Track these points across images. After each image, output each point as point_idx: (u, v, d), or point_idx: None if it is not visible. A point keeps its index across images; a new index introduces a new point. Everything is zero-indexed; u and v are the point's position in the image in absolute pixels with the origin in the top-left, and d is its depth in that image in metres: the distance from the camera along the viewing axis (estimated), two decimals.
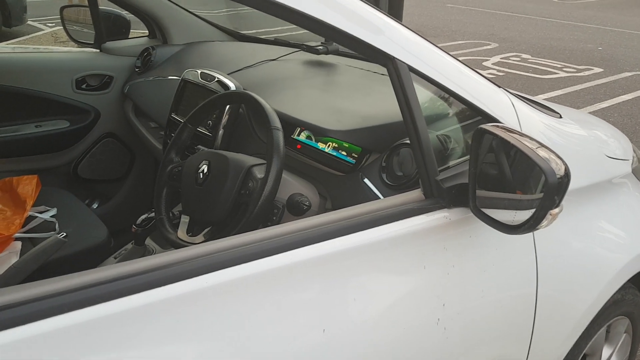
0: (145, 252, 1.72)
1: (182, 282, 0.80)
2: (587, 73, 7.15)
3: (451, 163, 1.18)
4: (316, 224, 0.96)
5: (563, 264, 1.35)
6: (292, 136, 1.56)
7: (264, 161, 1.35)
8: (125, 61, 2.33)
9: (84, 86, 2.25)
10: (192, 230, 1.37)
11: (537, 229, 0.99)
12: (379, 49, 1.05)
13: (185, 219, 1.39)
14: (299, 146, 1.55)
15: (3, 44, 6.92)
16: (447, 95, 1.17)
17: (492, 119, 1.19)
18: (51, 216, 1.90)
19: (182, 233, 1.37)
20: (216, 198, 1.31)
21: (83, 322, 0.72)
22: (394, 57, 1.06)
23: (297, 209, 1.33)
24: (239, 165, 1.33)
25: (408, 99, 1.07)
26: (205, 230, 1.34)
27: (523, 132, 1.25)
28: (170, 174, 1.48)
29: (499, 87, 1.30)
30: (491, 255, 1.19)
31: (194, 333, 0.81)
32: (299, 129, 1.55)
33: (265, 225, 1.35)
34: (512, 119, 1.25)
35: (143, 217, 1.66)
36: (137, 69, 2.29)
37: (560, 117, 1.55)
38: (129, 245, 1.74)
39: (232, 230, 1.27)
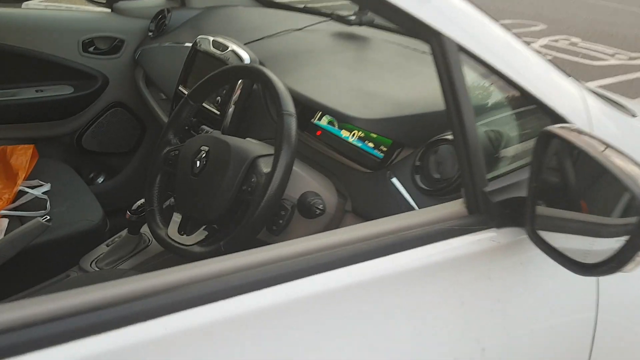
0: (140, 242, 1.52)
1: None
2: None
3: (504, 169, 0.94)
4: (322, 246, 0.74)
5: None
6: (312, 120, 1.33)
7: (271, 151, 1.12)
8: (138, 24, 2.12)
9: (91, 49, 2.05)
10: (184, 229, 1.16)
11: (621, 271, 0.75)
12: (421, 21, 0.81)
13: (177, 215, 1.18)
14: (319, 132, 1.32)
15: (36, 0, 6.80)
16: (502, 83, 0.93)
17: (559, 118, 0.94)
18: (44, 192, 1.72)
19: (173, 230, 1.16)
20: (213, 192, 1.10)
21: None
22: (439, 32, 0.82)
23: (308, 211, 1.11)
24: (242, 155, 1.10)
25: (454, 86, 0.83)
26: (200, 229, 1.13)
27: (594, 133, 1.00)
28: (165, 158, 1.26)
29: (569, 76, 1.04)
30: (546, 288, 0.95)
31: None
32: (320, 112, 1.32)
33: (270, 229, 1.13)
34: (582, 118, 1.00)
35: (140, 202, 1.46)
36: (150, 33, 2.08)
37: (634, 115, 1.28)
38: (124, 232, 1.55)
39: (227, 233, 1.06)
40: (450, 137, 1.09)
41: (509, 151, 0.97)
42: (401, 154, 1.19)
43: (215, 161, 1.11)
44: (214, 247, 1.04)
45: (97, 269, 1.48)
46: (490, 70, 0.88)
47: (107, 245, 1.56)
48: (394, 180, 1.16)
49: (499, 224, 0.88)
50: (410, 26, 0.83)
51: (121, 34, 2.09)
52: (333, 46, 1.63)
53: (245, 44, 1.56)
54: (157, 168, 1.26)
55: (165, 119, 1.89)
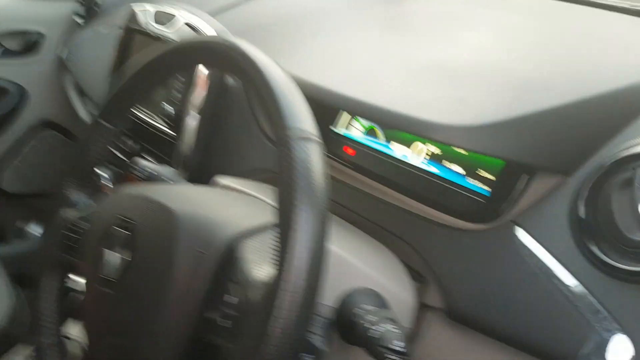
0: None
1: None
2: None
3: None
4: None
5: None
6: (331, 127, 0.73)
7: (272, 217, 0.51)
8: (60, 9, 1.54)
9: None
10: None
11: None
12: None
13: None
14: (351, 151, 0.71)
15: None
16: None
17: None
18: None
19: None
20: (146, 326, 0.49)
21: None
22: None
23: (366, 345, 0.50)
24: (203, 236, 0.48)
25: None
26: None
27: None
28: (64, 235, 0.65)
29: None
30: None
31: None
32: (343, 112, 0.72)
33: None
34: None
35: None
36: (78, 19, 1.49)
37: None
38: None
39: None
40: None
41: None
42: (530, 189, 0.58)
43: (148, 255, 0.50)
44: None
45: None
46: None
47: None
48: (530, 244, 0.56)
49: None
50: None
51: (38, 25, 1.52)
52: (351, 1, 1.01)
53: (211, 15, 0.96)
54: (48, 261, 0.65)
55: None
